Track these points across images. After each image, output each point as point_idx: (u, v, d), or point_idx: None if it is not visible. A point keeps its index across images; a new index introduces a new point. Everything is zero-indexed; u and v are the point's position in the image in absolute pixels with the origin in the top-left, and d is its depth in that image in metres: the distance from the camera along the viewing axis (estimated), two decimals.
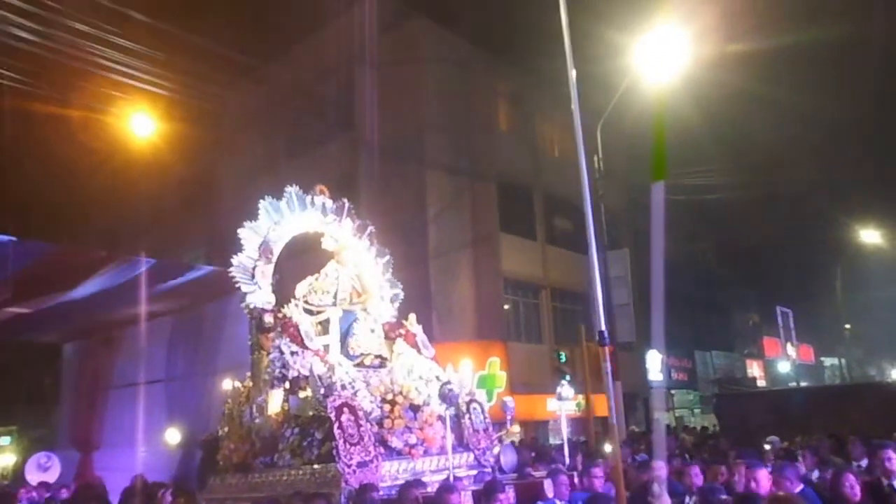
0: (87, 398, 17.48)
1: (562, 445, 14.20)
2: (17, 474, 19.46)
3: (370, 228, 9.39)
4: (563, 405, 9.30)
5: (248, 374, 8.31)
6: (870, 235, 36.57)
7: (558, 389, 9.32)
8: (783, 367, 39.50)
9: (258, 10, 21.87)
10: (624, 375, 16.66)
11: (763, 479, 6.08)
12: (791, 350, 39.52)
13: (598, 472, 7.36)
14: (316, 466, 6.90)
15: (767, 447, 11.05)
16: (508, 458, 8.03)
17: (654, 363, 28.18)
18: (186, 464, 13.15)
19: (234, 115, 24.34)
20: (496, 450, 8.07)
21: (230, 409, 8.42)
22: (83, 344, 18.07)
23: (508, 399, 8.93)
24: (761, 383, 36.93)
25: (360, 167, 20.29)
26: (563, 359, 16.79)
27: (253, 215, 8.38)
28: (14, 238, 10.74)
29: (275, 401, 7.65)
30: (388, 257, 9.43)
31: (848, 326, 39.25)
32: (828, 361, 46.10)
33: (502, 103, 24.38)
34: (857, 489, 5.90)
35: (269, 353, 7.77)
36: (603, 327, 5.66)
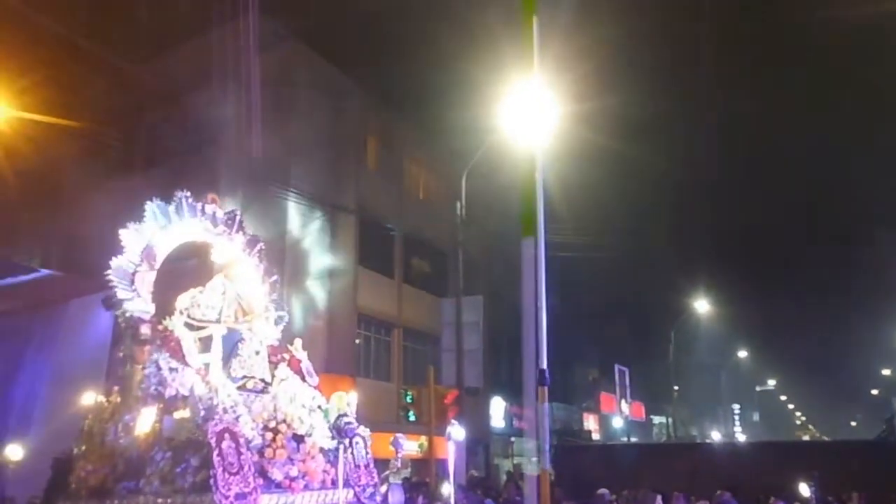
0: None
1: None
2: None
3: (260, 245, 8.93)
4: (451, 445, 9.04)
5: (116, 388, 7.57)
6: (701, 305, 39.45)
7: (448, 429, 9.05)
8: (617, 423, 41.34)
9: (130, 9, 20.92)
10: (467, 420, 16.82)
11: None
12: (625, 406, 41.46)
13: None
14: (189, 495, 6.36)
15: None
16: (396, 498, 7.77)
17: (498, 410, 28.72)
18: None
19: (92, 113, 22.98)
20: (383, 488, 7.81)
21: (90, 426, 7.61)
22: None
23: (400, 435, 8.64)
24: (596, 436, 38.41)
25: (220, 184, 19.61)
26: (410, 399, 16.76)
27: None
28: None
29: (145, 420, 6.98)
30: (276, 277, 9.04)
31: (676, 388, 41.71)
32: (657, 419, 48.70)
33: (371, 140, 24.46)
34: None
35: (143, 368, 7.14)
36: (544, 366, 5.29)
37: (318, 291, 20.45)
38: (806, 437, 71.91)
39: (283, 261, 19.38)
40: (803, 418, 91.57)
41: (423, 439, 16.55)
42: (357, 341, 21.89)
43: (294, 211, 20.23)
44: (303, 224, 20.38)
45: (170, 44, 21.47)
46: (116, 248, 7.56)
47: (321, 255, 20.79)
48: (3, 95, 13.45)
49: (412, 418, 16.73)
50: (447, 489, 13.36)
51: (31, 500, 10.71)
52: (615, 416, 41.24)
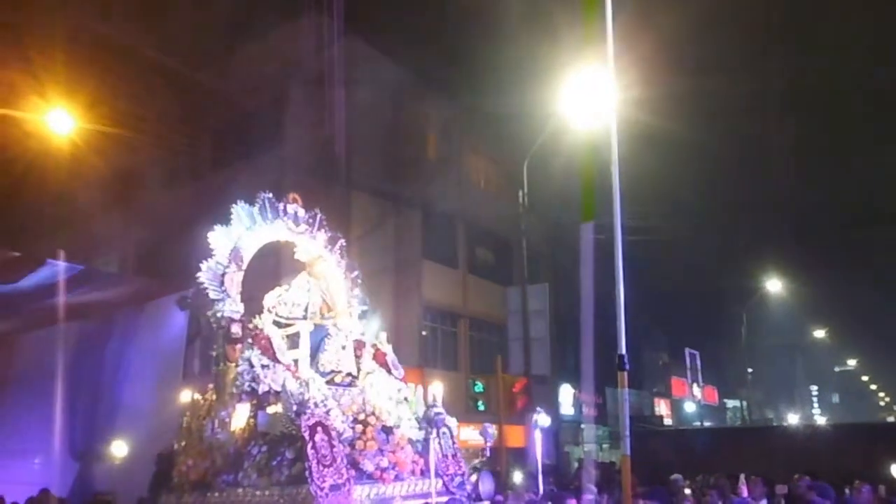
0: None
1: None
2: None
3: (341, 241, 9.13)
4: (538, 433, 9.26)
5: (211, 386, 7.89)
6: (773, 285, 38.36)
7: (535, 417, 9.27)
8: (689, 407, 40.68)
9: (190, 17, 21.43)
10: (536, 408, 16.80)
11: None
12: (697, 391, 40.78)
13: (572, 502, 7.29)
14: (285, 487, 6.63)
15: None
16: (486, 486, 7.90)
17: (567, 397, 28.61)
18: (85, 477, 12.57)
19: (159, 120, 23.71)
20: (473, 477, 7.94)
21: (188, 423, 7.99)
22: None
23: (489, 425, 8.74)
24: (668, 422, 37.84)
25: (285, 182, 19.98)
26: (481, 388, 16.83)
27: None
28: None
29: (240, 415, 7.29)
30: (357, 272, 9.20)
31: (750, 370, 40.78)
32: (730, 403, 47.71)
33: (432, 132, 24.53)
34: None
35: (236, 365, 7.42)
36: (623, 351, 5.36)
37: (383, 285, 20.68)
38: (891, 419, 69.40)
39: (349, 255, 19.64)
40: (887, 399, 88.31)
41: (493, 428, 16.60)
42: (423, 333, 22.07)
43: (358, 205, 20.46)
44: (367, 218, 20.60)
45: (232, 45, 21.92)
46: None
47: (386, 249, 20.99)
48: (74, 109, 14.00)
49: (482, 408, 16.80)
50: (519, 477, 13.43)
51: (99, 498, 11.12)
52: (687, 401, 40.59)
